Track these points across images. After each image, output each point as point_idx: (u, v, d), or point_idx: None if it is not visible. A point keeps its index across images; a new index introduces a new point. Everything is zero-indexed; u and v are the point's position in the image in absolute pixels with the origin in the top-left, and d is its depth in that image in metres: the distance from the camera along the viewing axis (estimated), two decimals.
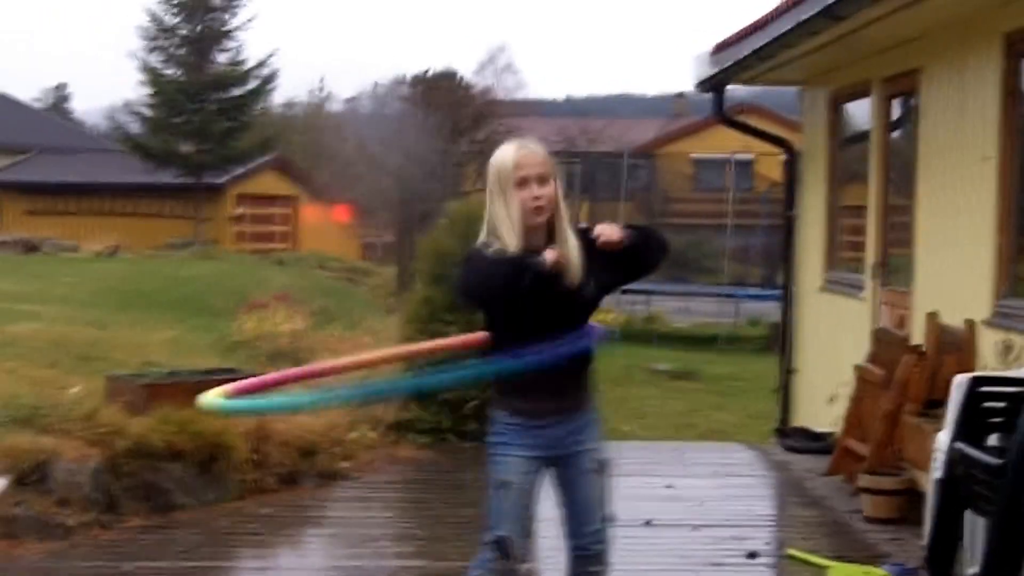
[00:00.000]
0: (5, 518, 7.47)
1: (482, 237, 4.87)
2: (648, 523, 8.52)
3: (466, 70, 32.95)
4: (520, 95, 39.02)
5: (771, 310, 23.59)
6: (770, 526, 9.32)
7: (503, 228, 4.78)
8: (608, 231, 4.76)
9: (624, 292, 25.08)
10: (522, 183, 4.77)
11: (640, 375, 20.22)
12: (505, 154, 4.84)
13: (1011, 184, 8.03)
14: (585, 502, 5.00)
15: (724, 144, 38.36)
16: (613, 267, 4.88)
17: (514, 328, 4.77)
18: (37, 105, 49.18)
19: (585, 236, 4.87)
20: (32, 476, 7.76)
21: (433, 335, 10.84)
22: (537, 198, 4.77)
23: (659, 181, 46.11)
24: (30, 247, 27.25)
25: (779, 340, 13.61)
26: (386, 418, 10.99)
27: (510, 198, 4.77)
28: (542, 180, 4.79)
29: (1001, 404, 5.81)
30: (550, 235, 4.82)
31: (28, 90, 58.14)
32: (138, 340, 11.74)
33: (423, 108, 29.51)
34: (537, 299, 4.69)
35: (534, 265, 4.64)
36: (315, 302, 15.54)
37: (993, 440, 5.74)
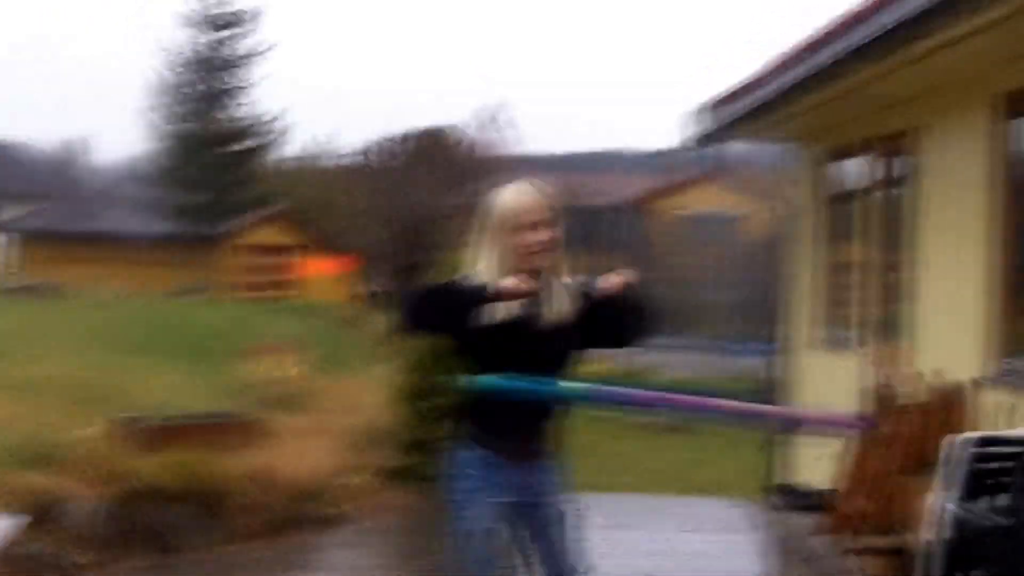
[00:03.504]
0: (16, 554, 7.57)
1: (469, 278, 4.71)
2: None
3: (464, 122, 33.11)
4: (516, 149, 39.28)
5: (757, 365, 23.65)
6: None
7: (485, 269, 4.67)
8: (613, 279, 4.66)
9: None
10: (521, 228, 4.66)
11: (632, 428, 20.29)
12: (507, 197, 4.75)
13: (1004, 244, 8.09)
14: (561, 554, 4.82)
15: (713, 199, 38.68)
16: (594, 326, 4.79)
17: (483, 369, 4.60)
18: (54, 156, 50.09)
19: (580, 289, 4.77)
20: (43, 513, 7.90)
21: (428, 381, 11.01)
22: (533, 243, 4.66)
23: (649, 235, 46.28)
24: (45, 291, 27.58)
25: (768, 395, 13.67)
26: (379, 465, 11.12)
27: (501, 241, 4.69)
28: (543, 225, 4.68)
29: (1004, 464, 5.81)
30: (540, 283, 4.68)
31: (45, 141, 58.78)
32: (146, 383, 11.88)
33: (422, 162, 29.82)
34: (505, 339, 4.62)
35: (475, 290, 4.56)
36: (316, 348, 15.64)
37: (989, 500, 5.75)
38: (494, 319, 4.62)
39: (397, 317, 4.80)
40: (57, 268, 35.10)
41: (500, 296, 4.54)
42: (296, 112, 60.87)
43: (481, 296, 4.56)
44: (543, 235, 4.70)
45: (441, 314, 4.66)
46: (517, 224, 4.68)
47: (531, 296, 4.62)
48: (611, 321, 4.78)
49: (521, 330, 4.66)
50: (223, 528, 8.98)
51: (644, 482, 15.17)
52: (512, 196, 4.75)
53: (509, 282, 4.53)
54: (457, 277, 4.79)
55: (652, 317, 4.90)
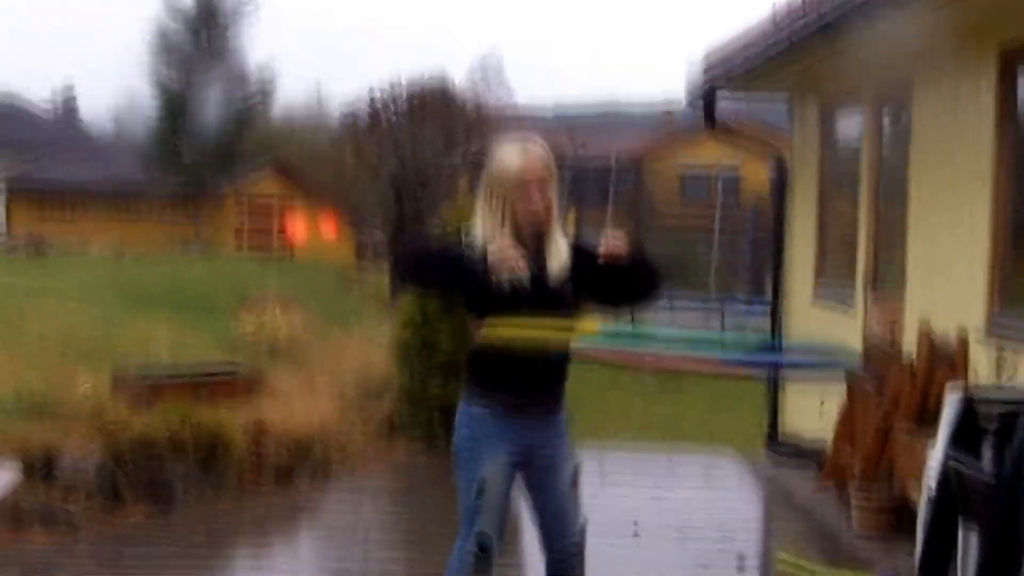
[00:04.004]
0: (13, 507, 7.60)
1: (468, 235, 4.77)
2: (636, 529, 8.59)
3: (458, 79, 32.94)
4: (510, 105, 39.17)
5: (757, 322, 23.66)
6: (759, 534, 9.42)
7: (491, 230, 4.71)
8: (616, 241, 4.66)
9: None
10: (519, 188, 4.67)
11: (626, 381, 20.25)
12: (507, 156, 4.74)
13: (1005, 197, 8.02)
14: (559, 510, 4.89)
15: (712, 156, 38.54)
16: (600, 286, 4.79)
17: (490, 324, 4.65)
18: (46, 110, 49.77)
19: (577, 249, 4.80)
20: (40, 466, 7.91)
21: (426, 338, 11.00)
22: (531, 203, 4.69)
23: (646, 191, 46.18)
24: (39, 247, 27.55)
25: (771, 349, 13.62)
26: (379, 418, 11.14)
27: (499, 200, 4.71)
28: (541, 185, 4.70)
29: (995, 419, 5.83)
30: (539, 241, 4.74)
31: (37, 95, 58.22)
32: (142, 337, 11.88)
33: (417, 117, 29.71)
34: (505, 300, 4.64)
35: (472, 259, 4.61)
36: (311, 302, 15.65)
37: (987, 454, 5.77)
38: (494, 280, 4.63)
39: (395, 263, 4.80)
40: (48, 224, 35.00)
41: (495, 267, 4.57)
42: (291, 62, 60.62)
43: (478, 264, 4.59)
44: (541, 194, 4.71)
45: (436, 275, 4.74)
46: (515, 183, 4.68)
47: (525, 266, 4.62)
48: (621, 282, 4.79)
49: (521, 291, 4.66)
50: (220, 481, 8.99)
51: (635, 435, 15.16)
52: (509, 155, 4.75)
53: (503, 253, 4.57)
54: (456, 238, 4.85)
55: (659, 276, 4.90)
